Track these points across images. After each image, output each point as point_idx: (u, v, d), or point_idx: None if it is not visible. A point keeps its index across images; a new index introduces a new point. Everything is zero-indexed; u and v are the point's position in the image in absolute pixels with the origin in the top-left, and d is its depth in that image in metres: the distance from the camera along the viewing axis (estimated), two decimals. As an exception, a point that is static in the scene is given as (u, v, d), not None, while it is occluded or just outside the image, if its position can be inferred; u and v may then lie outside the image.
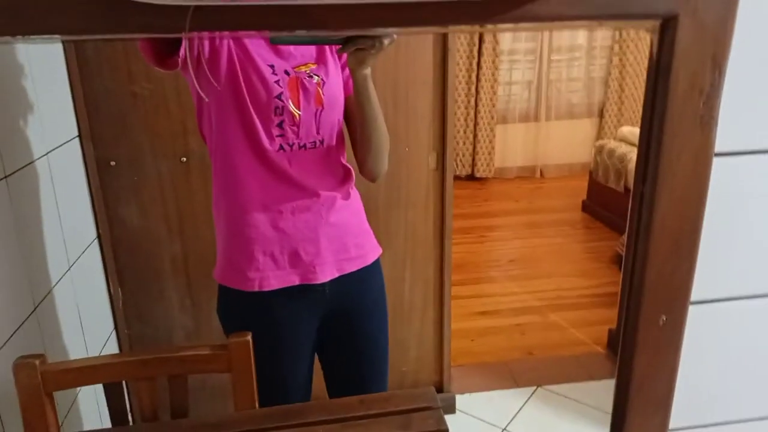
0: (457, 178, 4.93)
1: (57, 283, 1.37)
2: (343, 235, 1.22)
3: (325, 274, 1.20)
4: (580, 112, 5.15)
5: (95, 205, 1.65)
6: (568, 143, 5.09)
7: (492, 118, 4.91)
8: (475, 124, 4.93)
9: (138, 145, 1.67)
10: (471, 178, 5.04)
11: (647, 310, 0.50)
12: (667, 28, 0.44)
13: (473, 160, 5.02)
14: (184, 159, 1.70)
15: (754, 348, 0.54)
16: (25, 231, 1.24)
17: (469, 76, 4.79)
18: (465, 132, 4.96)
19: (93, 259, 1.65)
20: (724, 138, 0.48)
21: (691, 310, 0.52)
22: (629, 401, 0.53)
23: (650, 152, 0.46)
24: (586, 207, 4.21)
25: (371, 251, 1.28)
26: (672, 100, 0.45)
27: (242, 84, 1.09)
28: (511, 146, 5.09)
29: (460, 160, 5.00)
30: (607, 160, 3.87)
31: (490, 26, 0.43)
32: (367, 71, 1.12)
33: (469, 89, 4.84)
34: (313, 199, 1.18)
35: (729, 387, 0.55)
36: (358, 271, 1.24)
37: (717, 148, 0.48)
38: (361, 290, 1.27)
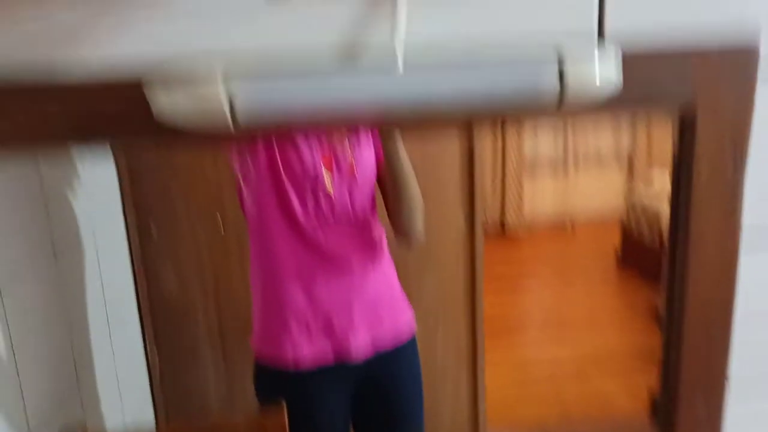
0: (486, 231, 4.92)
1: (98, 350, 1.41)
2: (376, 307, 1.23)
3: (360, 352, 1.21)
4: (609, 160, 5.14)
5: (135, 273, 1.71)
6: (598, 193, 5.06)
7: (520, 171, 4.93)
8: (503, 176, 4.95)
9: (177, 214, 1.73)
10: (501, 233, 5.02)
11: (685, 391, 0.50)
12: (687, 120, 0.46)
13: (502, 212, 5.02)
14: (221, 226, 1.75)
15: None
16: (71, 301, 1.29)
17: (495, 131, 4.86)
18: (493, 185, 4.98)
19: (132, 325, 1.69)
20: (751, 220, 0.49)
21: (729, 386, 0.51)
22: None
23: (678, 236, 0.48)
24: (620, 260, 4.14)
25: (406, 326, 1.28)
26: (696, 186, 0.46)
27: (281, 166, 1.14)
28: (540, 199, 5.09)
29: (489, 214, 5.00)
30: (639, 214, 3.83)
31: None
32: (397, 136, 1.16)
33: (495, 144, 4.90)
34: (347, 271, 1.20)
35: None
36: (393, 350, 1.25)
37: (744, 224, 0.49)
38: (396, 368, 1.27)
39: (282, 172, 1.14)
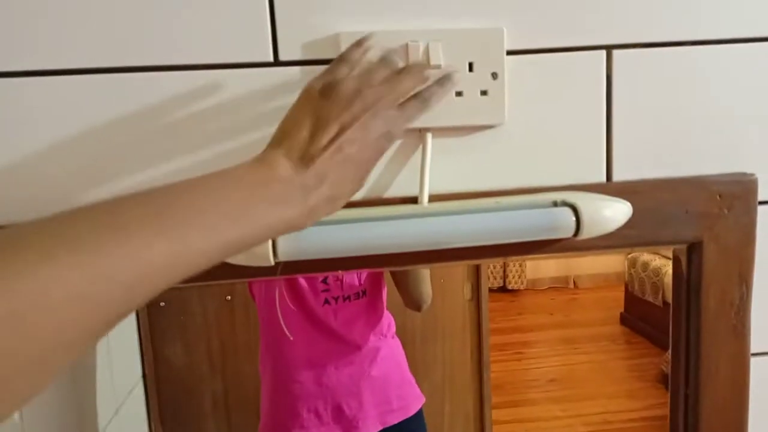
0: (489, 290, 4.91)
1: (105, 427, 1.40)
2: (385, 388, 1.24)
3: (369, 429, 1.21)
4: (609, 221, 5.18)
5: (143, 345, 1.71)
6: (600, 254, 5.07)
7: (521, 230, 4.97)
8: (505, 237, 4.98)
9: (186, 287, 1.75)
10: (503, 290, 5.01)
11: None
12: (693, 252, 0.49)
13: (504, 271, 5.02)
14: (229, 297, 1.77)
15: None
16: (80, 377, 1.29)
17: (496, 191, 4.94)
18: (495, 244, 5.01)
19: (137, 399, 1.68)
20: (758, 340, 0.52)
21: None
22: None
23: (690, 362, 0.50)
24: (624, 320, 4.12)
25: (414, 402, 1.29)
26: (705, 315, 0.49)
27: None
28: (543, 260, 5.10)
29: (491, 273, 5.01)
30: (642, 272, 3.84)
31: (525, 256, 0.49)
32: None
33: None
34: (356, 353, 1.22)
35: None
36: (400, 422, 1.25)
37: (753, 350, 0.51)
38: None
39: None
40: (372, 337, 1.24)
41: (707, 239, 0.48)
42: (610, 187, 0.48)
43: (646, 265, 3.80)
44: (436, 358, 1.92)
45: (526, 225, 0.42)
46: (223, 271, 0.45)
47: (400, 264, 0.46)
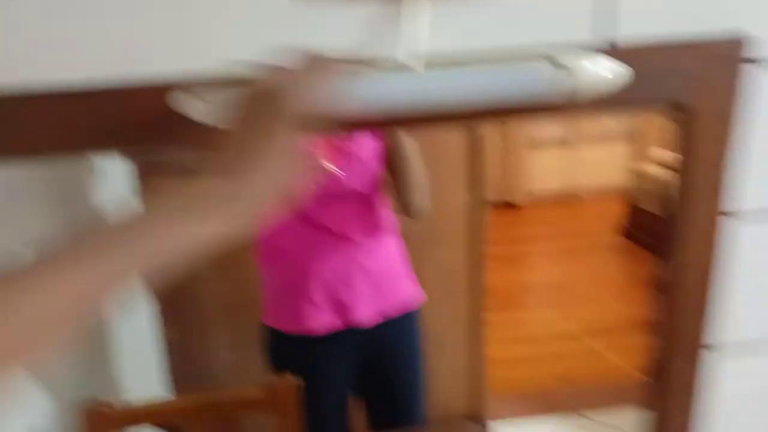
0: (491, 204, 4.93)
1: (113, 328, 1.46)
2: (380, 281, 1.27)
3: (367, 318, 1.26)
4: (615, 133, 5.10)
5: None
6: (603, 166, 5.04)
7: (524, 143, 4.91)
8: (508, 149, 4.94)
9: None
10: (506, 204, 5.03)
11: (671, 357, 0.54)
12: (685, 115, 0.49)
13: (507, 186, 5.02)
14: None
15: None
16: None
17: (500, 103, 4.83)
18: (497, 158, 4.97)
19: (144, 304, 1.74)
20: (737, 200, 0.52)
21: (712, 354, 0.55)
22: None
23: (675, 221, 0.51)
24: (627, 232, 4.16)
25: (412, 297, 1.33)
26: (692, 175, 0.49)
27: None
28: (545, 171, 5.07)
29: (494, 187, 4.99)
30: (649, 185, 3.83)
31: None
32: None
33: (501, 115, 4.86)
34: (349, 246, 1.24)
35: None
36: (400, 317, 1.29)
37: (730, 209, 0.52)
38: (400, 336, 1.32)
39: None
40: (367, 233, 1.26)
41: (699, 101, 0.48)
42: (606, 50, 0.47)
43: (654, 178, 3.78)
44: (432, 261, 1.96)
45: (523, 82, 0.42)
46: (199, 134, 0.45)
47: (390, 126, 0.46)
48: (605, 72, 0.45)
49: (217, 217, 0.39)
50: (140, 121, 0.45)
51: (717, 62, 0.47)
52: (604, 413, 2.28)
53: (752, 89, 0.48)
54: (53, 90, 0.44)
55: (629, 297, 3.20)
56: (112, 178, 1.55)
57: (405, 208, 1.29)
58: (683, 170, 0.51)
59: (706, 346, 0.55)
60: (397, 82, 0.43)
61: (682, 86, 0.48)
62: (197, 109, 0.42)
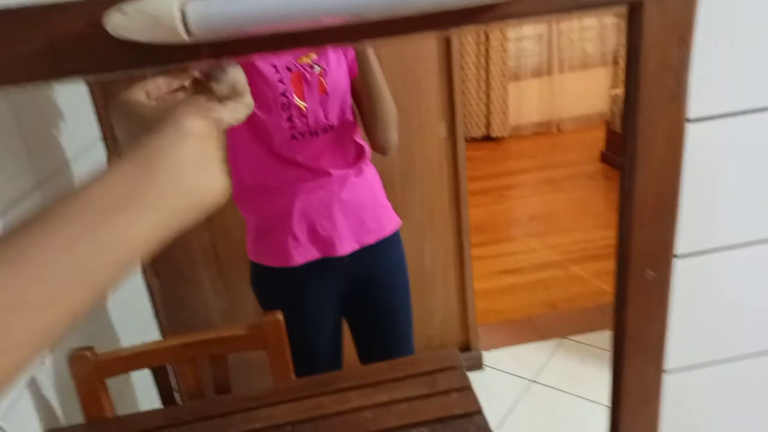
0: (472, 140, 4.92)
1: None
2: (358, 211, 1.28)
3: (345, 247, 1.27)
4: (594, 61, 5.06)
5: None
6: (583, 94, 5.02)
7: (504, 76, 4.86)
8: (488, 84, 4.88)
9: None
10: (487, 138, 5.02)
11: (635, 267, 0.55)
12: (634, 13, 0.47)
13: (488, 120, 4.99)
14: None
15: (736, 294, 0.59)
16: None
17: (478, 35, 4.73)
18: (478, 93, 4.92)
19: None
20: (695, 106, 0.52)
21: (676, 263, 0.56)
22: (625, 351, 0.58)
23: (628, 126, 0.50)
24: (605, 157, 4.19)
25: (389, 223, 1.34)
26: (644, 76, 0.49)
27: None
28: (526, 103, 5.05)
29: (475, 122, 4.98)
30: (622, 107, 3.83)
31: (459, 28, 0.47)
32: (370, 48, 1.16)
33: (479, 49, 4.79)
34: (325, 179, 1.25)
35: (716, 331, 0.60)
36: (377, 243, 1.31)
37: (689, 115, 0.52)
38: (380, 261, 1.34)
39: None
40: (341, 165, 1.26)
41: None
42: None
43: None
44: (415, 198, 1.96)
45: None
46: (139, 56, 0.43)
47: (326, 40, 0.44)
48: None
49: (149, 211, 0.38)
50: (72, 45, 0.43)
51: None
52: (590, 336, 2.37)
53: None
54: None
55: (611, 222, 3.25)
56: (75, 119, 1.52)
57: (375, 143, 1.29)
58: (638, 75, 0.50)
59: (675, 256, 0.56)
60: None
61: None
62: (125, 25, 0.40)
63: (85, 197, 0.36)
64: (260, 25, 0.39)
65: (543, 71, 5.03)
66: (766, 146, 0.54)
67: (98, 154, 1.64)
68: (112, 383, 1.17)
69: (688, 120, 0.51)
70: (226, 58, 0.45)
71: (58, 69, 0.43)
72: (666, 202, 0.53)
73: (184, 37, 0.39)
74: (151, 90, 0.46)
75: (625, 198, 0.53)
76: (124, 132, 0.46)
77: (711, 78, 0.50)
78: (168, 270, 1.86)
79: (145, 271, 1.82)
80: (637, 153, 0.50)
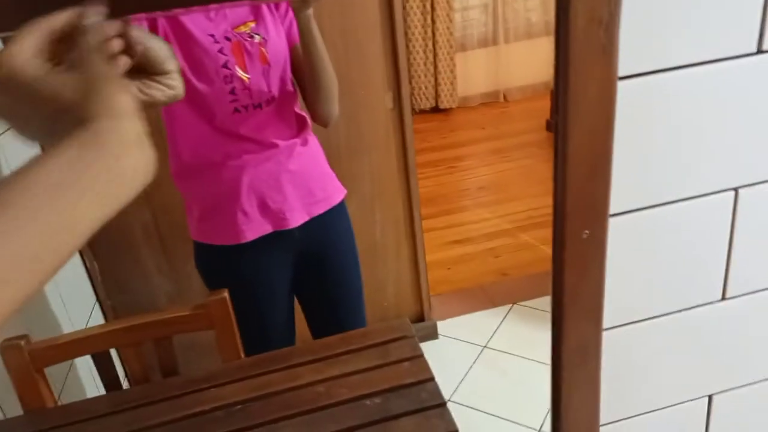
0: (421, 111, 4.92)
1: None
2: (306, 180, 1.26)
3: (296, 219, 1.25)
4: (539, 30, 5.11)
5: None
6: (529, 64, 5.08)
7: (451, 46, 4.85)
8: (435, 55, 4.87)
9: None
10: (435, 110, 5.03)
11: (571, 227, 0.55)
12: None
13: (436, 91, 4.99)
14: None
15: (670, 250, 0.60)
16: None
17: (424, 6, 4.70)
18: (425, 64, 4.90)
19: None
20: (626, 63, 0.52)
21: (611, 222, 0.57)
22: (564, 311, 0.59)
23: (559, 84, 0.50)
24: (550, 126, 4.27)
25: (335, 193, 1.33)
26: (573, 32, 0.48)
27: (184, 62, 1.09)
28: (473, 73, 5.07)
29: (423, 93, 4.97)
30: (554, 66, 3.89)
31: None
32: (310, 12, 1.12)
33: (425, 19, 4.75)
34: (272, 150, 1.21)
35: (651, 287, 0.62)
36: (325, 213, 1.29)
37: (620, 73, 0.52)
38: (329, 230, 1.32)
39: (186, 67, 1.10)
40: (286, 136, 1.23)
41: (575, -51, 0.45)
42: None
43: (571, 69, 3.84)
44: (363, 170, 1.95)
45: None
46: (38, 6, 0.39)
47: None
48: None
49: (91, 192, 0.38)
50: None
51: None
52: (539, 301, 2.44)
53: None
54: None
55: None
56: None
57: (315, 115, 1.26)
58: (567, 30, 0.49)
59: (611, 215, 0.56)
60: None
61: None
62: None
63: (26, 181, 0.35)
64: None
65: (489, 41, 5.05)
66: (697, 101, 0.54)
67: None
68: (55, 372, 1.12)
69: (620, 77, 0.51)
70: (133, 11, 0.41)
71: None
72: (599, 161, 0.53)
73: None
74: (35, 53, 0.40)
75: (559, 158, 0.52)
76: (14, 108, 0.41)
77: (641, 33, 0.50)
78: (108, 252, 1.79)
79: (83, 254, 1.75)
80: (568, 111, 0.50)
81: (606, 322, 0.61)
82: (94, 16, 0.42)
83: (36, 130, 0.42)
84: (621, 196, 0.56)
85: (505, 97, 5.15)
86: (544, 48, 5.10)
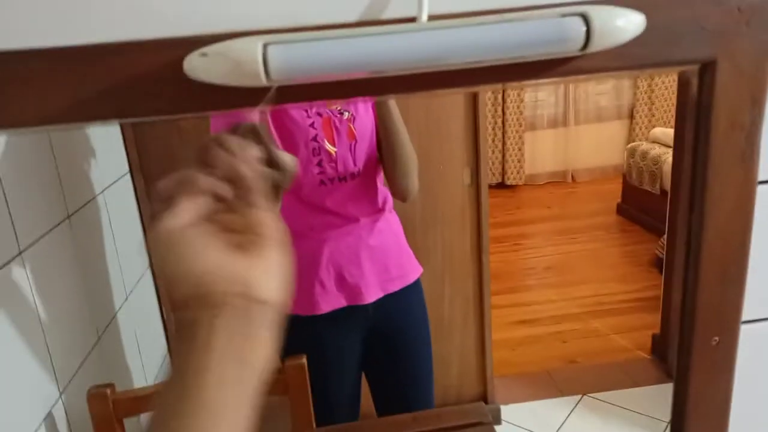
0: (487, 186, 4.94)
1: (116, 313, 1.45)
2: (384, 257, 1.26)
3: (370, 295, 1.25)
4: (610, 114, 5.11)
5: (147, 236, 1.73)
6: (598, 146, 5.05)
7: (520, 125, 4.91)
8: (504, 132, 4.93)
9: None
10: (502, 186, 5.04)
11: (700, 333, 0.53)
12: (706, 72, 0.47)
13: (503, 167, 5.02)
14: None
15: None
16: (86, 266, 1.32)
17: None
18: (494, 140, 4.97)
19: (146, 287, 1.73)
20: (767, 167, 0.51)
21: (743, 329, 0.54)
22: (686, 421, 0.55)
23: (696, 186, 0.49)
24: (621, 210, 4.17)
25: (412, 270, 1.32)
26: (714, 137, 0.48)
27: (275, 132, 1.15)
28: (541, 152, 5.08)
29: (490, 169, 5.00)
30: (640, 162, 3.84)
31: (531, 81, 0.47)
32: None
33: (496, 97, 4.86)
34: (354, 225, 1.23)
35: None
36: (400, 290, 1.28)
37: (760, 177, 0.51)
38: (403, 309, 1.31)
39: (277, 136, 1.16)
40: (368, 211, 1.25)
41: (721, 58, 0.46)
42: (620, 1, 0.45)
43: (644, 155, 3.79)
44: (436, 244, 1.95)
45: (532, 36, 0.40)
46: (210, 99, 0.43)
47: (398, 90, 0.44)
48: (619, 21, 0.43)
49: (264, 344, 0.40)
50: (145, 86, 0.43)
51: (742, 15, 0.45)
52: (610, 394, 2.30)
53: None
54: (42, 48, 0.41)
55: (627, 276, 3.21)
56: (119, 213, 1.53)
57: (395, 189, 1.28)
58: (708, 135, 0.49)
59: (743, 322, 0.53)
60: (395, 36, 0.40)
61: (706, 41, 0.46)
62: (203, 67, 0.39)
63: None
64: (340, 72, 0.39)
65: (558, 122, 5.08)
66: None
67: (126, 187, 1.65)
68: (128, 423, 1.13)
69: (759, 182, 0.50)
70: (294, 101, 0.44)
71: (128, 109, 0.43)
72: (734, 265, 0.51)
73: (263, 81, 0.39)
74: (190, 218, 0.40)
75: (692, 260, 0.51)
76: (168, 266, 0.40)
77: (783, 140, 0.49)
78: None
79: (161, 305, 1.80)
80: (705, 214, 0.49)
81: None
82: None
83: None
84: (755, 303, 0.53)
85: (573, 177, 5.11)
86: (615, 131, 5.07)
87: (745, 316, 0.53)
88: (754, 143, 0.49)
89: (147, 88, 0.43)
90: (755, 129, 0.48)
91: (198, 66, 0.40)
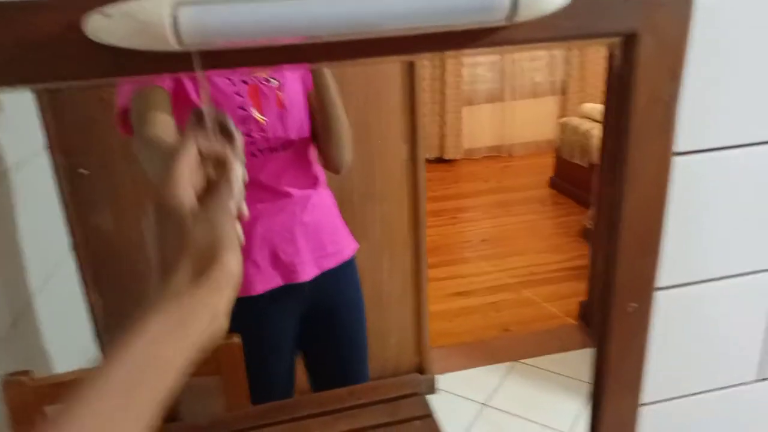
0: (426, 160, 4.97)
1: (34, 296, 1.36)
2: (319, 233, 1.24)
3: (306, 273, 1.23)
4: (544, 90, 5.23)
5: (68, 215, 1.63)
6: (533, 121, 5.18)
7: (459, 100, 4.95)
8: (443, 107, 4.96)
9: (108, 152, 1.65)
10: (440, 160, 5.09)
11: (618, 299, 0.55)
12: (628, 45, 0.47)
13: (442, 142, 5.06)
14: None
15: (715, 326, 0.60)
16: (2, 245, 1.23)
17: (434, 59, 4.81)
18: (432, 115, 4.99)
19: (69, 269, 1.64)
20: (683, 139, 0.52)
21: (657, 296, 0.56)
22: (605, 384, 0.57)
23: (615, 158, 0.50)
24: (553, 184, 4.31)
25: (347, 247, 1.31)
26: (634, 110, 0.49)
27: (200, 103, 1.10)
28: (479, 127, 5.15)
29: (429, 143, 5.04)
30: (571, 136, 3.96)
31: (458, 51, 0.46)
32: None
33: (435, 72, 4.87)
34: (286, 200, 1.20)
35: (694, 362, 0.61)
36: (336, 267, 1.27)
37: (676, 149, 0.52)
38: (339, 286, 1.31)
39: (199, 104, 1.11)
40: (301, 186, 1.22)
41: (643, 30, 0.46)
42: None
43: (575, 129, 3.91)
44: (374, 218, 1.95)
45: (458, 3, 0.39)
46: (119, 63, 0.40)
47: (322, 57, 0.42)
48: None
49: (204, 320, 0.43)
50: (47, 49, 0.39)
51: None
52: (541, 359, 2.40)
53: (702, 19, 0.48)
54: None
55: (560, 247, 3.34)
56: (35, 190, 1.43)
57: (327, 161, 1.26)
58: (628, 107, 0.50)
59: (657, 289, 0.56)
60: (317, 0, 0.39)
61: (629, 13, 0.47)
62: (107, 29, 0.36)
63: (131, 349, 0.40)
64: (260, 37, 0.37)
65: (496, 97, 5.16)
66: (751, 181, 0.55)
67: (43, 162, 1.55)
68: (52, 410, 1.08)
69: (676, 153, 0.52)
70: (215, 68, 0.42)
71: (28, 75, 0.39)
72: (650, 235, 0.53)
73: (174, 45, 0.36)
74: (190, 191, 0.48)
75: (612, 230, 0.52)
76: (160, 235, 0.47)
77: (699, 112, 0.51)
78: (113, 286, 1.76)
79: (86, 287, 1.72)
80: (624, 185, 0.50)
81: (645, 398, 0.60)
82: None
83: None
84: (670, 271, 0.56)
85: (509, 152, 5.22)
86: (548, 107, 5.21)
87: (660, 283, 0.56)
88: (671, 115, 0.50)
89: (49, 51, 0.39)
90: (673, 102, 0.50)
91: (101, 27, 0.36)
